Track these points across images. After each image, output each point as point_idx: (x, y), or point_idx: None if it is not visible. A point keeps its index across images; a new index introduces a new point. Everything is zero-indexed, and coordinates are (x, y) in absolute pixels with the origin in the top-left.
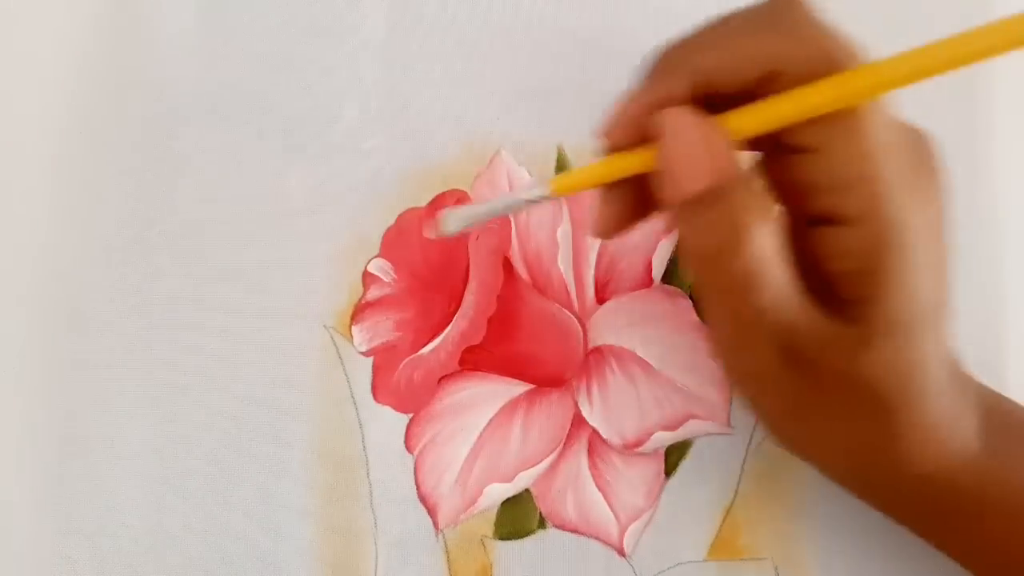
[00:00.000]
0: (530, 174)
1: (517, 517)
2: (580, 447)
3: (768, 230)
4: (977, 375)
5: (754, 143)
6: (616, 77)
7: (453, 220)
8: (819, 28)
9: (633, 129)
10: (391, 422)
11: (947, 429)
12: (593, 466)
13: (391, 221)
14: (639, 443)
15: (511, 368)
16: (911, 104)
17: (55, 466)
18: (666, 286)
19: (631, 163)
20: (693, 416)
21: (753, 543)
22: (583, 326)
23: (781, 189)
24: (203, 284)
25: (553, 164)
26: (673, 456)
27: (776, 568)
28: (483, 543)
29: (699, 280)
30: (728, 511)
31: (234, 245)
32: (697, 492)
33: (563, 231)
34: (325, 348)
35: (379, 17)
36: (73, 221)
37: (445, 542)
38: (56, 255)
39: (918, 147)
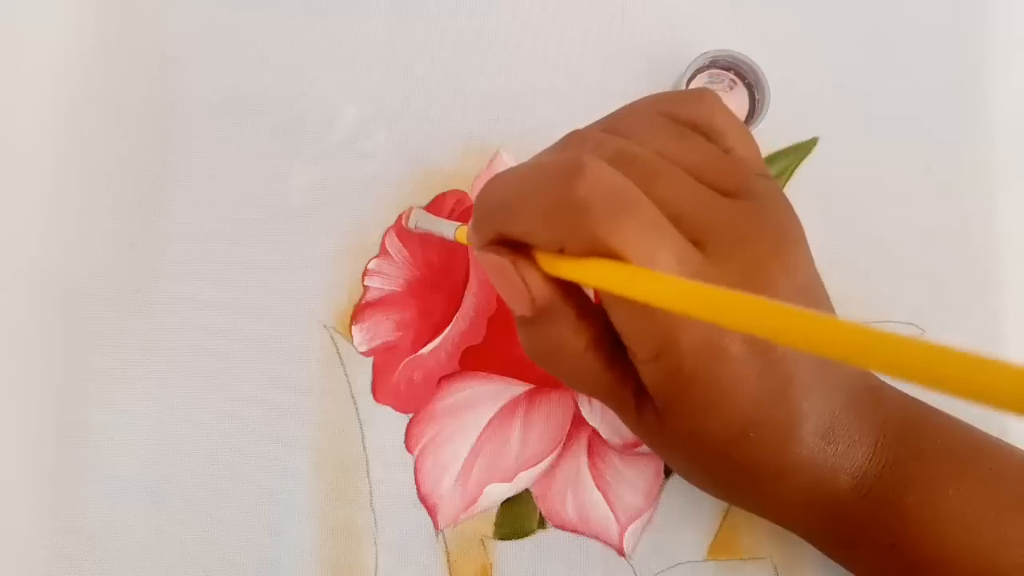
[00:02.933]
0: None
1: (517, 517)
2: (580, 447)
3: (582, 343)
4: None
5: None
6: (615, 77)
7: (415, 219)
8: (596, 215)
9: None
10: (391, 422)
11: (802, 491)
12: (593, 466)
13: (391, 221)
14: (639, 443)
15: (511, 368)
16: (912, 106)
17: (55, 466)
18: None
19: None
20: None
21: (753, 543)
22: None
23: None
24: (203, 284)
25: None
26: None
27: (775, 568)
28: (483, 543)
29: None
30: (728, 511)
31: (234, 245)
32: (697, 492)
33: None
34: (325, 348)
35: (379, 17)
36: (73, 221)
37: (445, 542)
38: (56, 255)
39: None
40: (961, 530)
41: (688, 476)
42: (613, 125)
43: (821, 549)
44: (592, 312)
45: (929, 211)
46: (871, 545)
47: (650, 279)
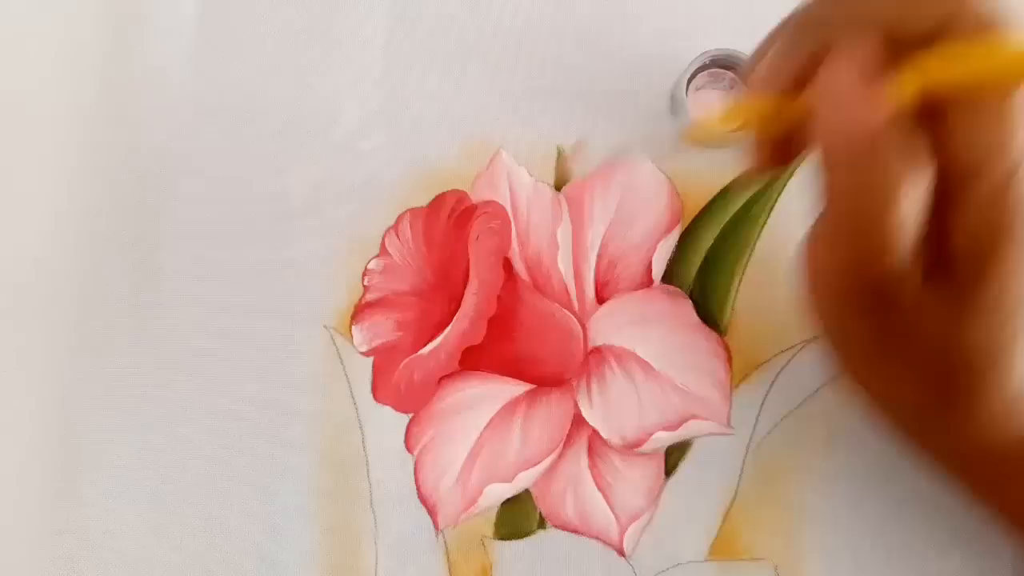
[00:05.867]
0: (530, 174)
1: (517, 517)
2: (580, 447)
3: (915, 196)
4: None
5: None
6: (616, 77)
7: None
8: None
9: (785, 77)
10: (391, 422)
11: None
12: (593, 466)
13: (391, 221)
14: (639, 443)
15: (511, 368)
16: None
17: (55, 466)
18: (666, 286)
19: (775, 115)
20: (693, 416)
21: (753, 543)
22: (583, 326)
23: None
24: (203, 284)
25: (553, 164)
26: (673, 456)
27: (776, 568)
28: (483, 543)
29: (832, 221)
30: (728, 511)
31: (234, 245)
32: (697, 492)
33: (563, 231)
34: (325, 348)
35: (379, 17)
36: (73, 222)
37: (445, 542)
38: (57, 256)
39: None
40: None
41: (909, 392)
42: None
43: (987, 495)
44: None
45: None
46: None
47: None
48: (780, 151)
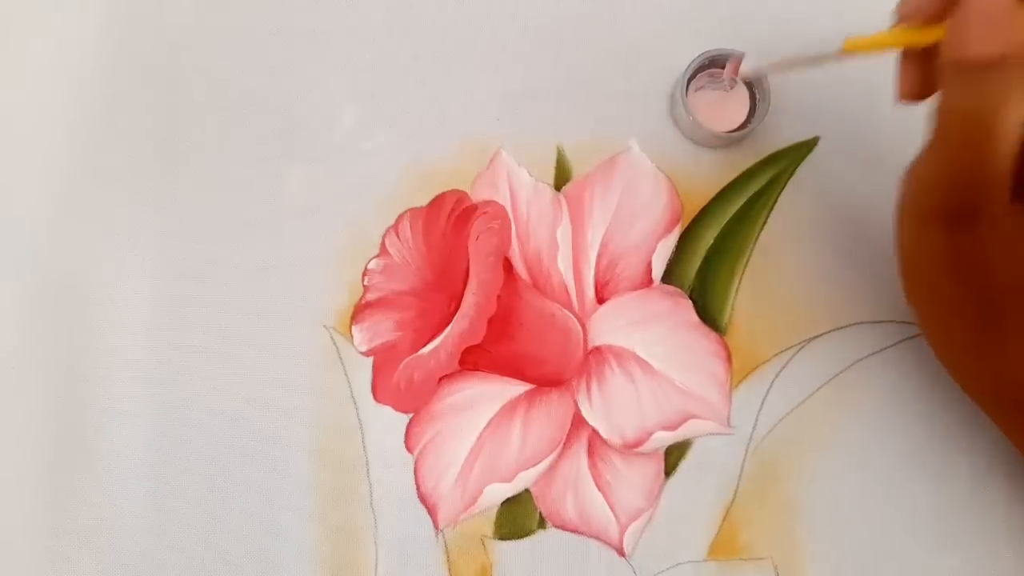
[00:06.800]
0: (530, 174)
1: (517, 517)
2: (580, 447)
3: (1021, 117)
4: None
5: None
6: (616, 77)
7: (748, 67)
8: None
9: (926, 8)
10: (391, 422)
11: None
12: (593, 466)
13: (391, 221)
14: (639, 443)
15: (511, 368)
16: None
17: (54, 466)
18: (666, 286)
19: (921, 35)
20: (693, 416)
21: (753, 543)
22: (583, 326)
23: None
24: (203, 284)
25: (553, 164)
26: (673, 456)
27: (776, 568)
28: (483, 543)
29: (941, 134)
30: (728, 511)
31: (234, 245)
32: (697, 492)
33: (563, 231)
34: (325, 348)
35: (379, 17)
36: (73, 221)
37: (445, 542)
38: (57, 256)
39: None
40: None
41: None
42: None
43: None
44: None
45: None
46: None
47: None
48: (923, 81)
